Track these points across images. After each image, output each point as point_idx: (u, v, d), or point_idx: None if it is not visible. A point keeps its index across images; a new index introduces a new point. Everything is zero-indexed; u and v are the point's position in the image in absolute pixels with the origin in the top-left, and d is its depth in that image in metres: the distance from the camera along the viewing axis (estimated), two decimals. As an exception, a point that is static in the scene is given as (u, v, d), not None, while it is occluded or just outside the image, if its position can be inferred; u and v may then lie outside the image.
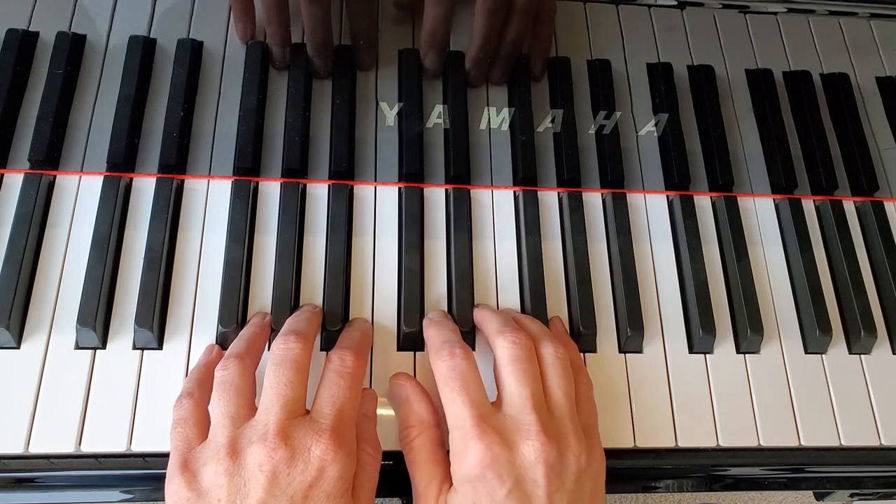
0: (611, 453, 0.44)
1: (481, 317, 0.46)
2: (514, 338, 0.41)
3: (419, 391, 0.43)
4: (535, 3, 0.52)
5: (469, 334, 0.46)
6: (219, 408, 0.39)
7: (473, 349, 0.46)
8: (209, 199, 0.49)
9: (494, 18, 0.51)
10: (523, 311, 0.48)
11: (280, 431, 0.37)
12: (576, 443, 0.39)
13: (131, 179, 0.49)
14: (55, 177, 0.48)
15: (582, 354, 0.47)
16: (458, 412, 0.39)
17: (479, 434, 0.38)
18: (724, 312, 0.50)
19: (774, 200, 0.54)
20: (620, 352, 0.48)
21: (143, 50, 0.51)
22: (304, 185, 0.50)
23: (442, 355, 0.41)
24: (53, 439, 0.42)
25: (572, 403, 0.41)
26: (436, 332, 0.44)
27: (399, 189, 0.51)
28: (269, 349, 0.45)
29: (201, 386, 0.41)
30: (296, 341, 0.40)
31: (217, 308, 0.45)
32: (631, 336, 0.47)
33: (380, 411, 0.44)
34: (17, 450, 0.41)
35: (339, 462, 0.37)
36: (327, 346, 0.45)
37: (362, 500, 0.39)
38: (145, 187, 0.49)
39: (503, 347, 0.41)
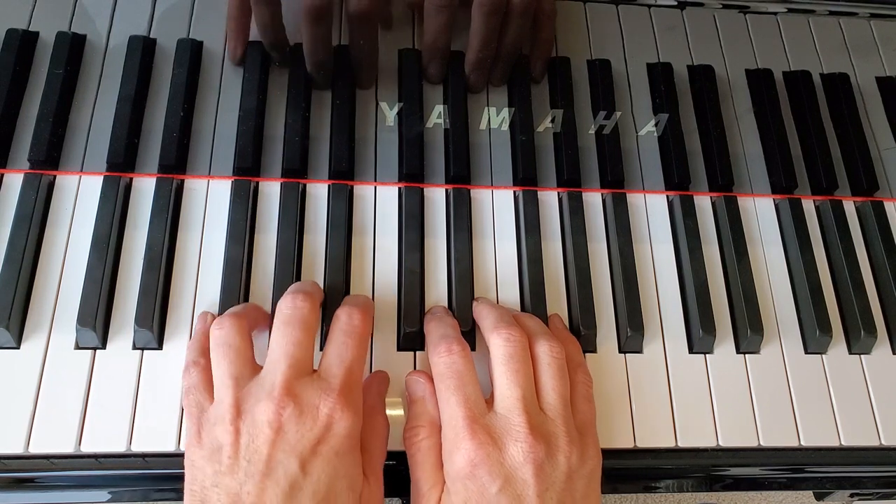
0: (611, 453, 0.44)
1: (479, 311, 0.46)
2: (509, 334, 0.41)
3: (435, 393, 0.43)
4: (531, 5, 0.51)
5: (469, 333, 0.46)
6: (220, 369, 0.39)
7: (473, 349, 0.46)
8: (209, 199, 0.49)
9: (492, 22, 0.51)
10: (523, 310, 0.48)
11: (288, 389, 0.37)
12: (566, 443, 0.39)
13: (131, 179, 0.49)
14: (55, 177, 0.48)
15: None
16: (452, 411, 0.40)
17: (471, 434, 0.38)
18: (724, 312, 0.50)
19: (774, 200, 0.54)
20: (620, 352, 0.48)
21: (143, 50, 0.51)
22: (304, 185, 0.50)
23: (440, 351, 0.41)
24: (53, 439, 0.42)
25: (566, 403, 0.41)
26: (435, 327, 0.44)
27: (399, 189, 0.51)
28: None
29: (205, 353, 0.41)
30: (304, 300, 0.40)
31: (217, 308, 0.45)
32: (631, 336, 0.47)
33: (387, 412, 0.44)
34: (17, 450, 0.41)
35: (347, 420, 0.37)
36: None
37: (374, 464, 0.40)
38: (145, 187, 0.49)
39: (497, 345, 0.41)
